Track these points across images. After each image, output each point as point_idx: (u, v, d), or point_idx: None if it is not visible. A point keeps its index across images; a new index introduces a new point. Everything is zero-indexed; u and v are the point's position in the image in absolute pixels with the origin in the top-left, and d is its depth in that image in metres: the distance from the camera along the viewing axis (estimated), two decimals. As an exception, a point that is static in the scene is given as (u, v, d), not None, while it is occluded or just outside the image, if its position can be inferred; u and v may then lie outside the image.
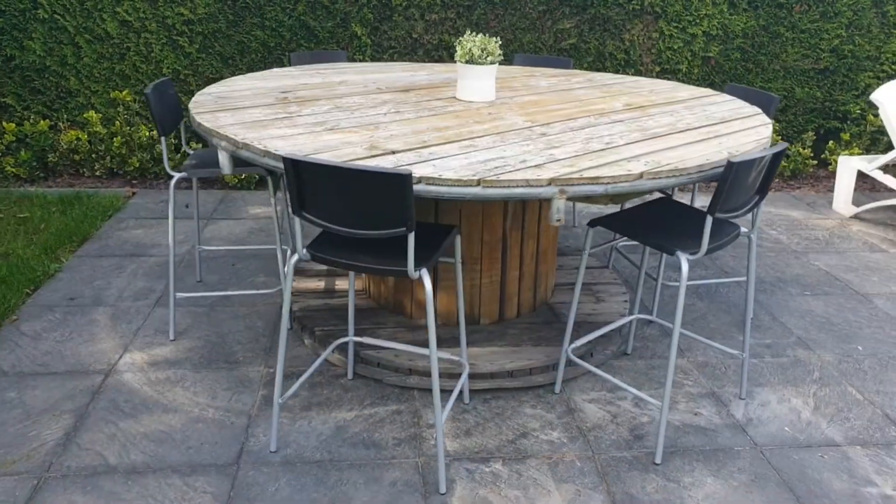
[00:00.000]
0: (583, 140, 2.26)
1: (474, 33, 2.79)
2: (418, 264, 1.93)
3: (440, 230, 2.16)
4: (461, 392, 2.51)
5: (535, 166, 1.95)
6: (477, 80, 2.77)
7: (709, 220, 2.04)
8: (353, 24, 4.72)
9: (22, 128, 4.63)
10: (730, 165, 1.94)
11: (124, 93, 4.63)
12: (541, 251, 2.87)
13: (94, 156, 4.71)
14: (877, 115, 5.24)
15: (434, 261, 2.01)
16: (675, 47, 5.00)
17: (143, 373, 2.61)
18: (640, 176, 1.92)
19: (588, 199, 1.92)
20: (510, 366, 2.55)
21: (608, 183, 1.89)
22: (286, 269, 2.01)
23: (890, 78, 5.26)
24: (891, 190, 5.16)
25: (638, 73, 5.07)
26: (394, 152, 2.05)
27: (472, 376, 2.52)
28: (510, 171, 1.89)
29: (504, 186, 1.85)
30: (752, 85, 5.19)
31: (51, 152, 4.68)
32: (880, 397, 2.65)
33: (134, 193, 4.59)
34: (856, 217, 4.63)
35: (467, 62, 2.72)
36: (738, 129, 2.49)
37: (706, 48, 5.03)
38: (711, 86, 5.15)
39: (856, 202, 4.83)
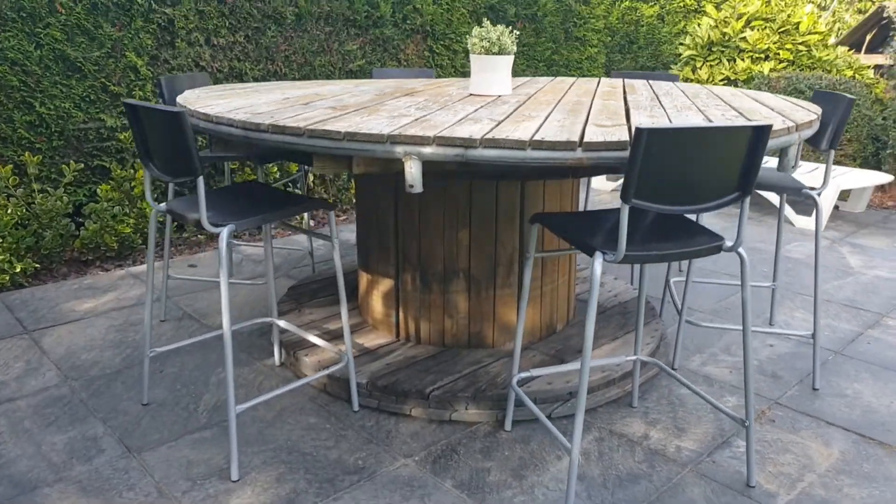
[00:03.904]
0: (691, 106, 2.30)
1: (491, 24, 2.54)
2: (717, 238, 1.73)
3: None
4: (627, 395, 2.28)
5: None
6: (498, 72, 2.53)
7: (831, 153, 2.30)
8: (127, 52, 3.69)
9: None
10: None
11: None
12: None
13: None
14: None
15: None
16: (443, 63, 5.24)
17: (262, 536, 1.67)
18: (810, 124, 2.06)
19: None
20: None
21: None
22: (593, 271, 1.56)
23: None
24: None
25: (418, 90, 5.15)
26: (629, 121, 1.78)
27: (608, 383, 2.31)
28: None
29: (782, 135, 1.80)
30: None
31: None
32: (826, 294, 3.31)
33: None
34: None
35: (496, 53, 2.47)
36: (719, 100, 2.84)
37: (465, 63, 5.39)
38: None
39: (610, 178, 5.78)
